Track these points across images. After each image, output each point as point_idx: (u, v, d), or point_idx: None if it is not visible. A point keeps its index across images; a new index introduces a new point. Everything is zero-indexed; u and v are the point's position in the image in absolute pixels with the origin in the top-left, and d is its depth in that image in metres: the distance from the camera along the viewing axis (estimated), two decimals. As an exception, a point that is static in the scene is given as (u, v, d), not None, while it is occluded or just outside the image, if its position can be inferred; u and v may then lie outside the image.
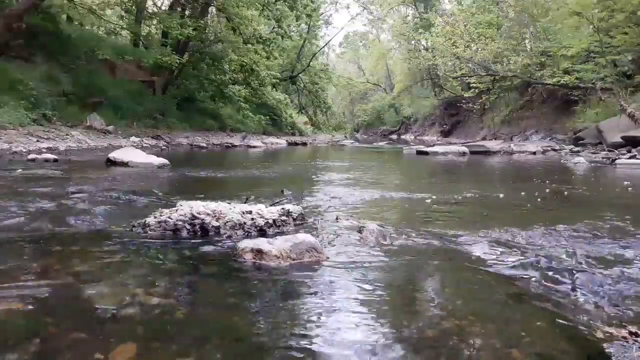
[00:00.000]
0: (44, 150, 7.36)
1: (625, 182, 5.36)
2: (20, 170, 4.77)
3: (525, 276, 1.74)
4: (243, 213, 2.32)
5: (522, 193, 4.08)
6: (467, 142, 14.74)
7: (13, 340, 1.13)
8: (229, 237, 2.17)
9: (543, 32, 20.07)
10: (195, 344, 1.14)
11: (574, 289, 1.60)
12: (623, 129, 10.93)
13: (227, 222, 2.24)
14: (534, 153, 11.91)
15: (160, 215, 2.26)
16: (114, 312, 1.30)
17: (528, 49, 21.53)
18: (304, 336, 1.20)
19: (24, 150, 7.29)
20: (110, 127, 11.34)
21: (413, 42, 37.33)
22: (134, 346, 1.11)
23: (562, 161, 9.26)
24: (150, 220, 2.23)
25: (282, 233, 2.25)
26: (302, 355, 1.11)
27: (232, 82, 17.97)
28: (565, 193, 4.40)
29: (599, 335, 1.26)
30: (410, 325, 1.29)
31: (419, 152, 11.33)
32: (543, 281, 1.68)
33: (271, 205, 2.66)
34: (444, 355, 1.13)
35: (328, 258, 1.88)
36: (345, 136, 29.34)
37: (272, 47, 18.37)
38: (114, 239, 2.10)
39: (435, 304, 1.46)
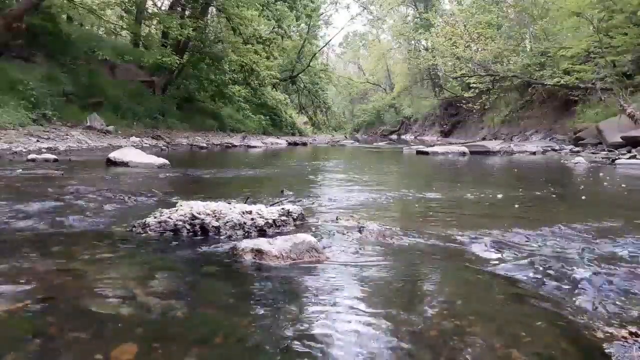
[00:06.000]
0: (44, 150, 7.36)
1: (625, 182, 5.36)
2: (20, 170, 4.77)
3: (525, 276, 1.74)
4: (243, 213, 2.32)
5: (522, 193, 4.08)
6: (467, 142, 14.74)
7: (13, 340, 1.13)
8: (229, 237, 2.17)
9: (543, 32, 20.07)
10: (195, 344, 1.14)
11: (574, 289, 1.60)
12: (623, 129, 10.93)
13: (227, 222, 2.24)
14: (534, 153, 11.91)
15: (160, 215, 2.26)
16: (114, 312, 1.30)
17: (528, 49, 21.55)
18: (304, 336, 1.20)
19: (24, 150, 7.28)
20: (110, 127, 11.33)
21: (413, 42, 37.37)
22: (134, 346, 1.11)
23: (562, 161, 9.26)
24: (150, 220, 2.23)
25: (282, 233, 2.25)
26: (302, 355, 1.11)
27: (232, 82, 17.99)
28: (565, 193, 4.40)
29: (599, 335, 1.25)
30: (410, 325, 1.29)
31: (419, 152, 11.33)
32: (543, 281, 1.68)
33: (271, 205, 2.66)
34: (444, 355, 1.13)
35: (328, 258, 1.88)
36: (345, 136, 29.37)
37: (272, 47, 18.38)
38: (114, 239, 2.10)
39: (435, 304, 1.46)
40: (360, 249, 2.06)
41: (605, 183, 5.15)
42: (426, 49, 35.32)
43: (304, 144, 17.97)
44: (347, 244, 2.14)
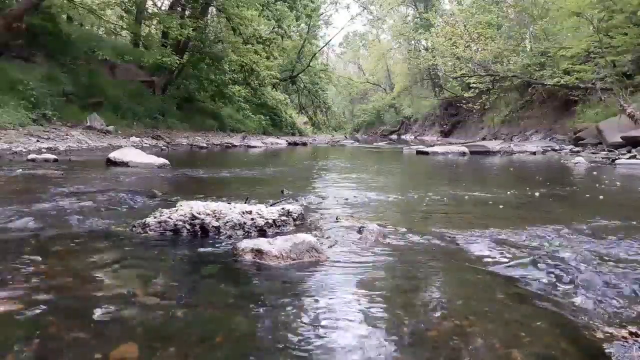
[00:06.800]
0: (44, 150, 7.36)
1: (625, 182, 5.36)
2: (20, 170, 4.77)
3: (525, 276, 1.74)
4: (243, 213, 2.32)
5: (522, 193, 4.08)
6: (467, 142, 14.74)
7: (13, 340, 1.13)
8: (229, 237, 2.17)
9: (543, 32, 20.08)
10: (196, 344, 1.14)
11: (574, 289, 1.60)
12: (623, 129, 10.93)
13: (227, 222, 2.24)
14: (534, 153, 11.92)
15: (160, 215, 2.26)
16: (114, 312, 1.30)
17: (528, 49, 21.55)
18: (304, 336, 1.20)
19: (24, 150, 7.28)
20: (110, 127, 11.34)
21: (413, 42, 37.38)
22: (134, 346, 1.11)
23: (562, 161, 9.26)
24: (150, 220, 2.23)
25: (282, 233, 2.25)
26: (302, 355, 1.11)
27: (232, 82, 17.98)
28: (565, 193, 4.40)
29: (599, 335, 1.25)
30: (410, 325, 1.29)
31: (419, 152, 11.33)
32: (543, 281, 1.68)
33: (271, 205, 2.66)
34: (444, 355, 1.13)
35: (328, 258, 1.88)
36: (345, 136, 29.36)
37: (272, 47, 18.37)
38: (114, 239, 2.10)
39: (435, 304, 1.46)
40: (360, 249, 2.06)
41: (605, 183, 5.15)
42: (426, 49, 35.34)
43: (304, 144, 17.96)
44: (347, 244, 2.14)
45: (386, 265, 1.86)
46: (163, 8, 18.24)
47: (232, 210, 2.33)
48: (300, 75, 27.20)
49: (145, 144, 10.92)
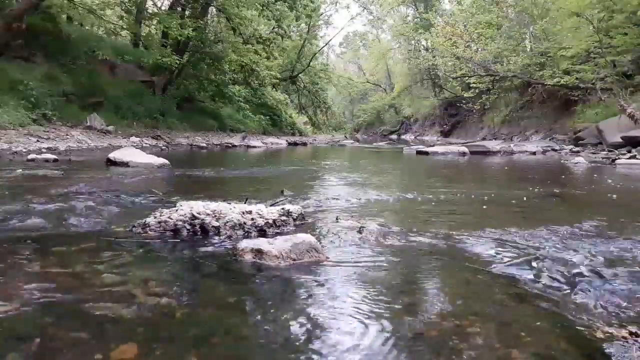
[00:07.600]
0: (44, 150, 7.36)
1: (625, 183, 5.37)
2: (20, 170, 4.77)
3: (525, 276, 1.74)
4: (243, 213, 2.32)
5: (522, 193, 4.08)
6: (467, 142, 14.73)
7: (13, 340, 1.13)
8: (229, 237, 2.17)
9: (543, 32, 20.07)
10: (195, 344, 1.14)
11: (574, 289, 1.60)
12: (623, 129, 10.93)
13: (227, 222, 2.23)
14: (534, 153, 11.91)
15: (160, 215, 2.26)
16: (114, 312, 1.30)
17: (528, 49, 21.54)
18: (304, 336, 1.20)
19: (24, 150, 7.28)
20: (110, 127, 11.34)
21: (413, 42, 37.34)
22: (134, 346, 1.11)
23: (562, 161, 9.26)
24: (150, 220, 2.23)
25: (282, 233, 2.25)
26: (302, 355, 1.11)
27: (232, 82, 17.97)
28: (564, 193, 4.40)
29: (599, 335, 1.26)
30: (410, 325, 1.29)
31: (419, 152, 11.33)
32: (543, 281, 1.68)
33: (271, 205, 2.66)
34: (444, 355, 1.13)
35: (328, 258, 1.88)
36: (345, 136, 29.32)
37: (272, 47, 18.36)
38: (114, 239, 2.10)
39: (435, 304, 1.46)
40: (360, 249, 2.06)
41: (604, 183, 5.15)
42: (426, 49, 35.33)
43: (304, 144, 17.96)
44: (347, 244, 2.14)
45: (386, 266, 1.86)
46: (163, 8, 18.22)
47: (232, 210, 2.33)
48: (300, 75, 27.19)
49: (145, 144, 10.92)
